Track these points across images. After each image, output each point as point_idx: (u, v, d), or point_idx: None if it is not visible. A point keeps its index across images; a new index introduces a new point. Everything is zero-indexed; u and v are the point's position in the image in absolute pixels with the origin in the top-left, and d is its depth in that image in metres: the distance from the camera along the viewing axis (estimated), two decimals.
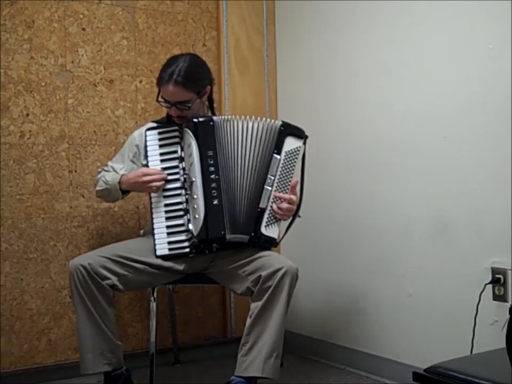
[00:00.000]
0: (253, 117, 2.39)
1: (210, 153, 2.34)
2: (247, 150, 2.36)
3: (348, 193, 2.86)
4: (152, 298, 2.54)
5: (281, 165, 2.34)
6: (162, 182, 2.38)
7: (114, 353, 2.33)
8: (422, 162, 2.52)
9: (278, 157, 2.34)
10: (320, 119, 3.01)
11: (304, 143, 2.41)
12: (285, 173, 2.35)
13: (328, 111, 2.97)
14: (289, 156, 2.36)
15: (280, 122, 2.38)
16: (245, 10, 3.21)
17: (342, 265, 2.90)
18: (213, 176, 2.33)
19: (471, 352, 2.21)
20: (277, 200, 2.34)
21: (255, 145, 2.36)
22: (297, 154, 2.37)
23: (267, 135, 2.36)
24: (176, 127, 2.43)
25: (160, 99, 2.43)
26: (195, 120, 2.37)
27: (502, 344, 1.55)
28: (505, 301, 2.22)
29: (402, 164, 2.60)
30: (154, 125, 2.54)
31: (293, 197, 2.36)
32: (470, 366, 1.66)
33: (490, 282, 2.25)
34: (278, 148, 2.35)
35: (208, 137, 2.35)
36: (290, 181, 2.36)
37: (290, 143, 2.37)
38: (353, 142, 2.83)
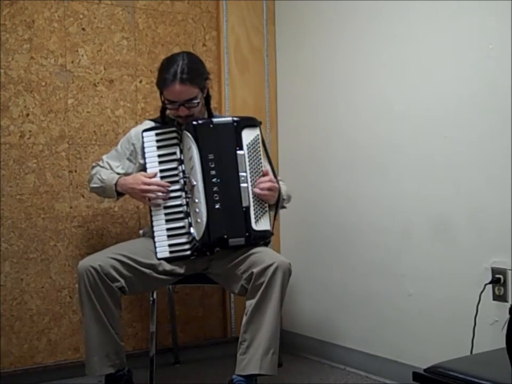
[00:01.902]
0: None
1: (210, 156, 2.33)
2: (225, 151, 2.36)
3: (348, 193, 2.86)
4: (152, 299, 2.55)
5: (247, 159, 2.35)
6: (161, 194, 2.36)
7: (118, 354, 2.33)
8: (422, 162, 2.52)
9: (242, 152, 2.34)
10: (320, 119, 3.01)
11: (260, 130, 2.42)
12: (254, 164, 2.36)
13: (328, 111, 2.97)
14: (251, 147, 2.36)
15: (231, 119, 2.38)
16: (245, 10, 3.21)
17: (342, 265, 2.90)
18: (214, 180, 2.33)
19: (471, 352, 2.21)
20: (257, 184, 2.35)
21: (225, 146, 2.36)
22: (258, 143, 2.39)
23: (227, 134, 2.36)
24: (174, 128, 2.42)
25: (165, 101, 2.40)
26: (194, 122, 2.35)
27: (502, 344, 1.55)
28: (505, 301, 2.22)
29: (402, 164, 2.60)
30: (152, 124, 2.53)
31: (269, 175, 2.37)
32: (470, 366, 1.66)
33: (490, 282, 2.25)
34: (239, 144, 2.35)
35: (208, 140, 2.35)
36: (262, 170, 2.38)
37: (248, 135, 2.37)
38: (353, 142, 2.83)
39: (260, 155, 2.38)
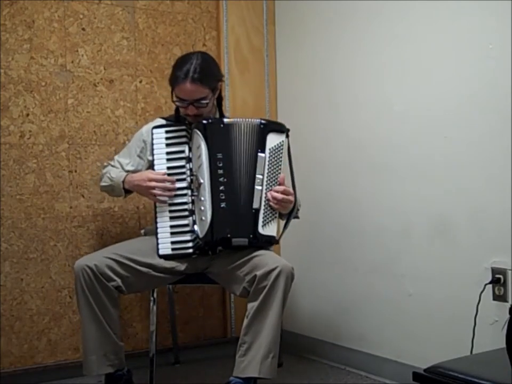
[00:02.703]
0: (242, 119, 2.39)
1: (219, 155, 2.34)
2: (241, 152, 2.36)
3: (348, 193, 2.86)
4: (152, 299, 2.55)
5: (267, 163, 2.34)
6: (167, 193, 2.36)
7: (117, 354, 2.33)
8: (422, 162, 2.52)
9: (263, 155, 2.34)
10: (320, 119, 3.01)
11: (287, 137, 2.41)
12: (272, 170, 2.35)
13: (328, 111, 2.97)
14: (273, 152, 2.35)
15: (259, 121, 2.37)
16: (245, 10, 3.21)
17: (342, 265, 2.90)
18: (221, 179, 2.33)
19: (471, 352, 2.21)
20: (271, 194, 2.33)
21: (244, 147, 2.36)
22: (281, 149, 2.37)
23: (251, 135, 2.36)
24: (184, 127, 2.42)
25: (175, 99, 2.42)
26: (204, 121, 2.36)
27: (502, 344, 1.55)
28: (505, 301, 2.22)
29: (402, 164, 2.60)
30: (163, 121, 2.54)
31: (289, 188, 2.35)
32: (470, 366, 1.66)
33: (490, 282, 2.25)
34: (262, 146, 2.34)
35: (217, 139, 2.35)
36: (279, 176, 2.36)
37: (273, 140, 2.36)
38: (353, 142, 2.83)
39: (280, 162, 2.36)
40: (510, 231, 2.19)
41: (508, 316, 1.56)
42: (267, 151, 2.35)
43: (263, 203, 2.33)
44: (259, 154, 2.34)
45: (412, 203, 2.56)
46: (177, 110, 2.50)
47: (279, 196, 2.32)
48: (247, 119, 2.39)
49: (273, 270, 2.20)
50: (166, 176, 2.38)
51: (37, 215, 2.76)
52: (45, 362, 2.78)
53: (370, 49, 2.74)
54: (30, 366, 2.74)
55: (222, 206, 2.32)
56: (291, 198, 2.36)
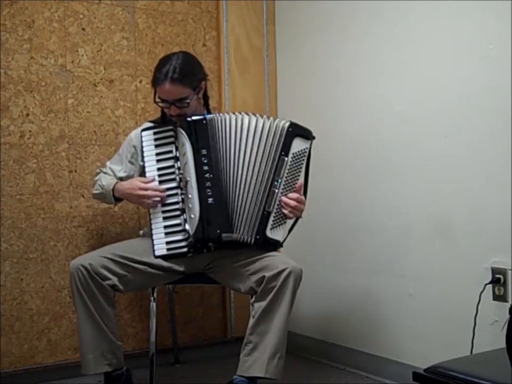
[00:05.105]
0: (257, 114, 2.37)
1: (204, 152, 2.33)
2: (248, 148, 2.34)
3: (348, 193, 2.86)
4: (152, 298, 2.54)
5: (288, 167, 2.33)
6: (158, 199, 2.37)
7: (115, 353, 2.33)
8: (422, 162, 2.52)
9: (286, 159, 2.33)
10: (320, 119, 3.01)
11: (311, 144, 2.40)
12: (291, 175, 2.35)
13: (328, 111, 2.97)
14: (296, 157, 2.35)
15: (288, 123, 2.35)
16: (245, 10, 3.21)
17: (342, 265, 2.90)
18: (207, 175, 2.32)
19: (471, 352, 2.21)
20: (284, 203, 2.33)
21: (259, 144, 2.34)
22: (304, 156, 2.37)
23: (274, 135, 2.34)
24: (171, 127, 2.43)
25: (157, 100, 2.42)
26: (188, 119, 2.37)
27: (502, 344, 1.55)
28: (505, 301, 2.22)
29: (402, 164, 2.60)
30: (150, 124, 2.55)
31: (302, 197, 2.36)
32: (470, 366, 1.66)
33: (490, 282, 2.25)
34: (286, 150, 2.33)
35: (201, 135, 2.35)
36: (296, 182, 2.35)
37: (298, 145, 2.35)
38: (353, 142, 2.84)
39: (301, 168, 2.36)
40: (510, 231, 2.19)
41: (508, 315, 1.56)
42: (290, 155, 2.34)
43: (276, 206, 2.32)
44: (281, 157, 2.33)
45: (412, 203, 2.56)
46: (163, 111, 2.51)
47: (292, 202, 2.32)
48: (274, 119, 2.37)
49: (283, 271, 2.20)
50: (154, 185, 2.39)
51: (37, 215, 2.76)
52: (45, 362, 2.78)
53: (370, 49, 2.74)
54: (30, 366, 2.74)
55: (209, 202, 2.31)
56: (302, 206, 2.37)
